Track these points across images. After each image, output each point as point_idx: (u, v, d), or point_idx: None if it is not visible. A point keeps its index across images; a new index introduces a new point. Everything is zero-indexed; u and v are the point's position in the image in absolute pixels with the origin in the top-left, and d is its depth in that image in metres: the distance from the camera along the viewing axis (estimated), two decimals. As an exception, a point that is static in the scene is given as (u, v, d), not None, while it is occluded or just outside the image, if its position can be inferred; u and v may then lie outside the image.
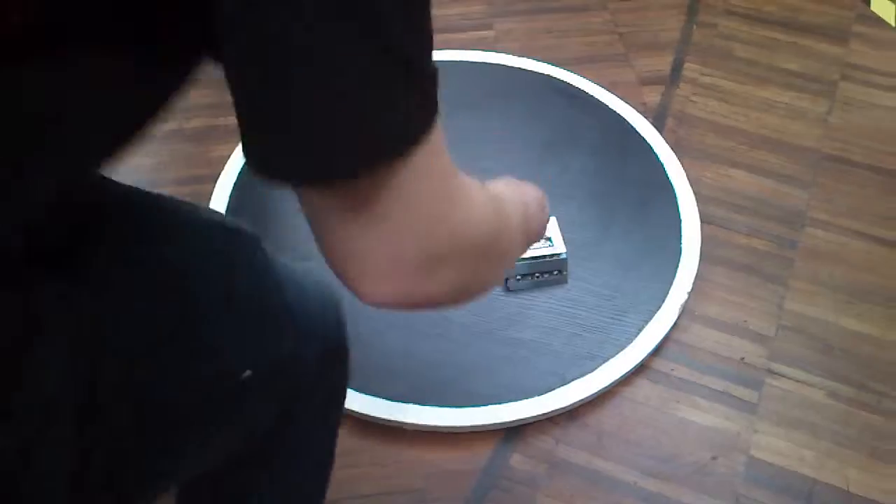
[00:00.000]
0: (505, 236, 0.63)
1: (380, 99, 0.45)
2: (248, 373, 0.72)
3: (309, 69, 0.43)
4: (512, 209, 0.68)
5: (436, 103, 0.49)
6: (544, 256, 1.41)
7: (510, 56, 1.87)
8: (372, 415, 1.27)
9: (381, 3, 0.43)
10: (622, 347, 1.36)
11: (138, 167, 1.59)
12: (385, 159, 0.47)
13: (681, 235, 1.52)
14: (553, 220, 1.45)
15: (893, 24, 1.98)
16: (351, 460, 1.24)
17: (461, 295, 0.58)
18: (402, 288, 0.52)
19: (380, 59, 0.45)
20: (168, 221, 0.74)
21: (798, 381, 1.36)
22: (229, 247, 0.76)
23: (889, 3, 2.00)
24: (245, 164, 0.48)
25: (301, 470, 0.92)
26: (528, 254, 1.40)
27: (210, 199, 1.56)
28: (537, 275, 1.42)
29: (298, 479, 0.92)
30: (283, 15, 0.41)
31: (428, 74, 0.48)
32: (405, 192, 0.49)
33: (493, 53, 1.87)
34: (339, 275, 0.52)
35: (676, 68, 1.89)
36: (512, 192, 0.71)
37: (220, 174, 1.61)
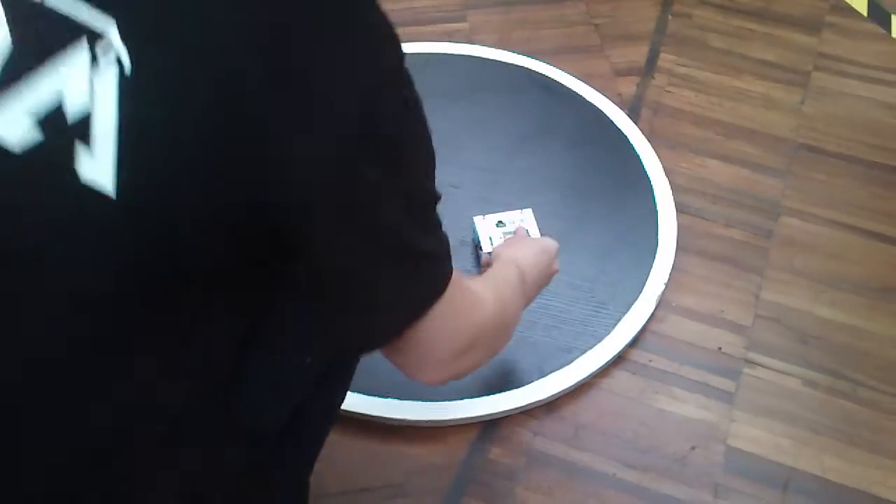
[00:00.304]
0: (508, 310, 0.86)
1: (417, 287, 0.68)
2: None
3: (371, 295, 0.66)
4: (507, 282, 0.91)
5: (450, 260, 0.70)
6: (521, 249, 1.41)
7: (485, 48, 1.86)
8: (351, 410, 1.26)
9: (410, 238, 0.65)
10: (599, 339, 1.36)
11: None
12: (422, 313, 0.69)
13: (657, 226, 1.52)
14: (529, 212, 1.44)
15: (866, 14, 1.99)
16: (329, 455, 1.23)
17: (485, 361, 0.83)
18: (443, 376, 0.77)
19: (412, 270, 0.67)
20: None
21: (775, 370, 1.37)
22: None
23: (862, -8, 2.01)
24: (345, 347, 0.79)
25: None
26: (505, 246, 1.39)
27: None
28: (514, 267, 1.42)
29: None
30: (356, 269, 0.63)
31: (443, 251, 0.70)
32: (437, 322, 0.69)
33: (468, 45, 1.86)
34: (400, 370, 0.76)
35: (652, 59, 1.89)
36: (503, 265, 0.95)
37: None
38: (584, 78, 1.80)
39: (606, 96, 1.76)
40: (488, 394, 1.29)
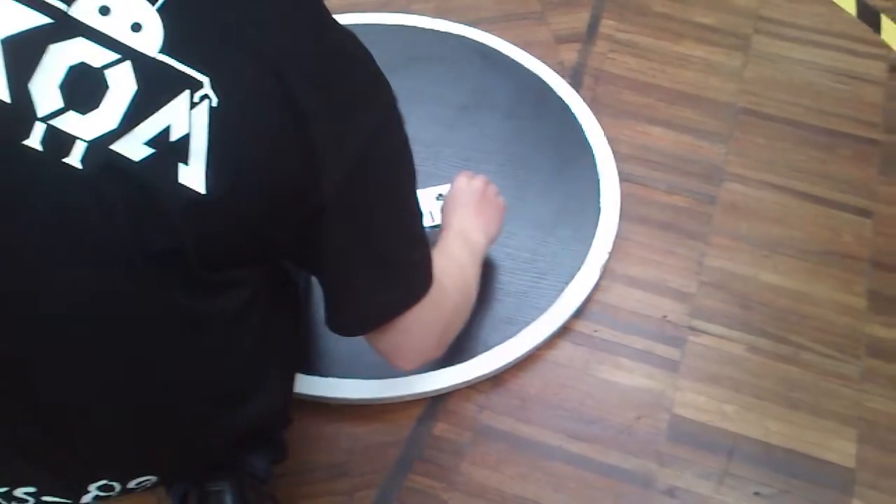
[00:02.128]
0: (469, 288, 1.04)
1: (397, 290, 0.86)
2: None
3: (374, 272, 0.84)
4: (462, 258, 1.05)
5: (431, 268, 0.88)
6: (463, 221, 1.39)
7: (424, 17, 1.82)
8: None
9: (398, 245, 0.86)
10: (543, 310, 1.35)
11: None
12: (399, 312, 0.87)
13: (600, 195, 1.51)
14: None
15: (805, -24, 1.99)
16: (270, 439, 1.21)
17: (454, 337, 1.01)
18: (421, 362, 0.94)
19: (395, 274, 0.86)
20: None
21: (719, 336, 1.37)
22: None
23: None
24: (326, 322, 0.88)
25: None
26: (446, 219, 1.37)
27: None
28: (456, 240, 1.40)
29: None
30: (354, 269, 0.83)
31: (426, 261, 0.88)
32: (413, 319, 0.87)
33: (406, 15, 1.83)
34: (384, 357, 0.92)
35: (593, 25, 1.87)
36: (453, 240, 1.07)
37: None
38: (524, 46, 1.77)
39: (547, 64, 1.74)
40: (432, 369, 1.28)
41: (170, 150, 0.68)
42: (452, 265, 0.92)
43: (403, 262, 0.86)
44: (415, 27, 1.80)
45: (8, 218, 0.68)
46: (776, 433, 1.26)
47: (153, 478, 0.87)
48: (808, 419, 1.27)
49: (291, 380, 0.98)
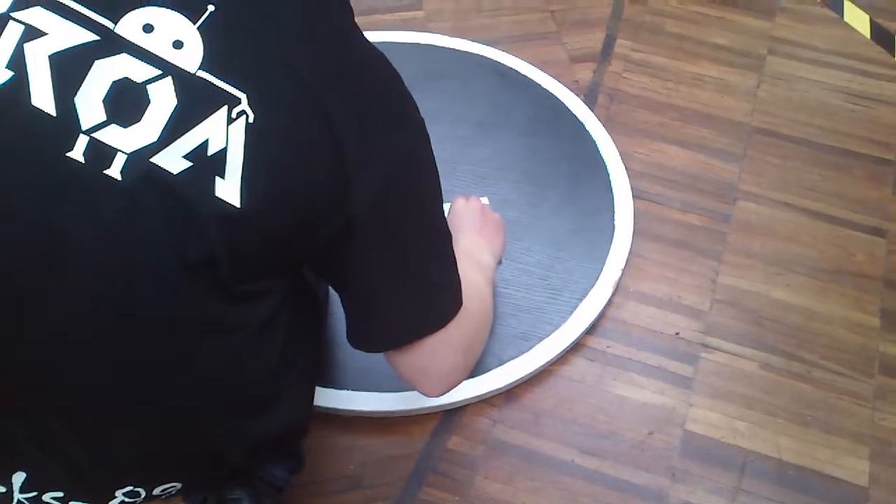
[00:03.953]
0: (486, 309, 1.02)
1: (426, 312, 0.87)
2: None
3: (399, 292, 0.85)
4: (475, 280, 1.00)
5: (461, 293, 0.89)
6: (478, 237, 1.40)
7: (441, 36, 1.85)
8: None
9: (429, 267, 0.87)
10: (557, 326, 1.36)
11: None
12: (425, 335, 0.87)
13: (614, 212, 1.52)
14: (485, 201, 1.44)
15: (819, -2, 2.00)
16: (285, 450, 1.22)
17: (476, 359, 0.98)
18: (449, 383, 0.93)
19: (426, 296, 0.86)
20: None
21: (732, 353, 1.37)
22: None
23: (815, -24, 2.02)
24: (348, 337, 0.89)
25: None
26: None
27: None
28: (471, 256, 1.41)
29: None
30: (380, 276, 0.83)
31: (456, 285, 0.88)
32: (439, 343, 0.87)
33: (424, 34, 1.85)
34: (409, 382, 0.91)
35: (608, 45, 1.89)
36: (462, 263, 0.98)
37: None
38: (540, 65, 1.79)
39: (563, 83, 1.75)
40: (446, 383, 1.29)
41: (207, 164, 0.71)
42: (469, 288, 0.92)
43: (433, 282, 0.87)
44: (433, 46, 1.82)
45: (49, 227, 0.71)
46: (788, 450, 1.26)
47: (178, 485, 0.89)
48: (820, 437, 1.28)
49: (312, 389, 0.99)
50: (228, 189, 0.71)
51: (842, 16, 1.96)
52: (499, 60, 1.79)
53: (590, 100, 1.75)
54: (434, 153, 0.86)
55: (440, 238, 0.89)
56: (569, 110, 1.70)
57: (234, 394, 0.83)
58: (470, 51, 1.82)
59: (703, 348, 1.38)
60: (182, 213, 0.71)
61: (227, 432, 0.85)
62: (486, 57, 1.80)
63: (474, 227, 1.21)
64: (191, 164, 0.70)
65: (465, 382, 1.28)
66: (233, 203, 0.71)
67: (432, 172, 0.86)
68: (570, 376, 1.34)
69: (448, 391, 0.94)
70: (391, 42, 1.81)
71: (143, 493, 0.86)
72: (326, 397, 1.27)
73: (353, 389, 1.27)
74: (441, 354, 0.89)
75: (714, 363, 1.36)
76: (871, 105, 1.76)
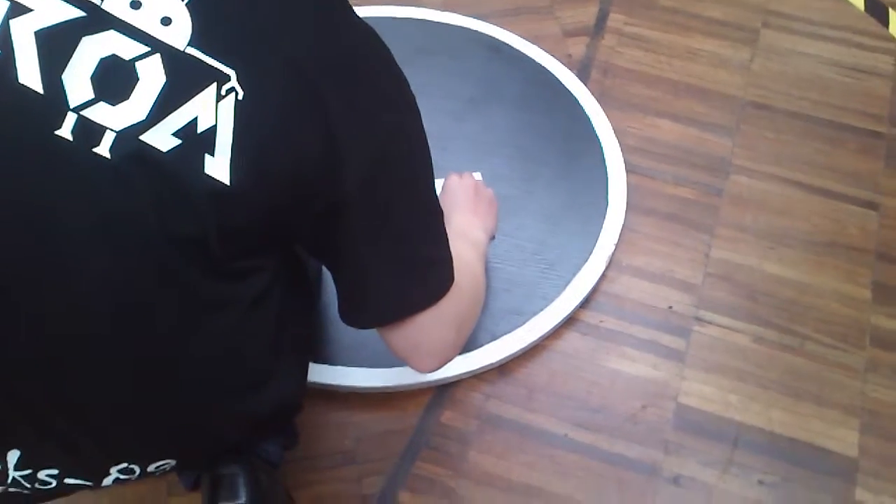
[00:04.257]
0: (479, 286, 1.03)
1: (418, 287, 0.87)
2: None
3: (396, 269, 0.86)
4: (468, 257, 1.01)
5: (452, 269, 0.90)
6: (470, 213, 1.40)
7: (432, 10, 1.83)
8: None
9: (418, 247, 0.87)
10: (550, 301, 1.36)
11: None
12: (417, 311, 0.88)
13: (607, 187, 1.52)
14: (478, 176, 1.44)
15: (813, -30, 1.99)
16: (280, 426, 1.23)
17: (468, 335, 1.00)
18: (442, 359, 0.94)
19: (418, 272, 0.87)
20: None
21: (724, 327, 1.38)
22: None
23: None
24: (340, 314, 0.90)
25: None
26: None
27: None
28: (464, 231, 1.41)
29: None
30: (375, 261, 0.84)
31: (447, 254, 0.90)
32: (431, 320, 0.88)
33: (415, 8, 1.84)
34: (402, 358, 0.93)
35: (601, 19, 1.88)
36: (457, 236, 0.98)
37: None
38: (533, 39, 1.78)
39: (556, 57, 1.75)
40: (440, 359, 1.29)
41: (197, 142, 0.70)
42: (462, 264, 0.93)
43: (425, 259, 0.88)
44: (424, 20, 1.81)
45: (39, 205, 0.70)
46: (780, 422, 1.27)
47: (172, 461, 0.89)
48: (812, 409, 1.28)
49: (306, 365, 1.00)
50: (218, 166, 0.71)
51: (836, -12, 1.95)
52: (491, 35, 1.78)
53: (583, 74, 1.74)
54: (425, 130, 0.85)
55: (432, 215, 0.89)
56: (562, 85, 1.69)
57: (229, 370, 0.83)
58: (462, 25, 1.80)
59: (696, 322, 1.38)
60: (172, 191, 0.71)
61: (222, 409, 0.86)
62: (478, 31, 1.79)
63: (467, 204, 1.22)
64: (180, 141, 0.70)
65: (458, 358, 1.28)
66: (222, 180, 0.71)
67: (424, 149, 0.86)
68: (563, 351, 1.34)
69: (440, 367, 0.95)
70: (382, 17, 1.80)
71: (138, 470, 0.87)
72: (320, 373, 1.27)
73: (346, 365, 1.28)
74: (433, 331, 0.90)
75: (707, 337, 1.37)
76: (864, 78, 1.76)
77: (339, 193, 0.77)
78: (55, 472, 0.83)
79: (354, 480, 1.20)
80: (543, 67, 1.72)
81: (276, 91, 0.73)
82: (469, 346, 1.31)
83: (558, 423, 1.27)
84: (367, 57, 0.80)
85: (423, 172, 0.87)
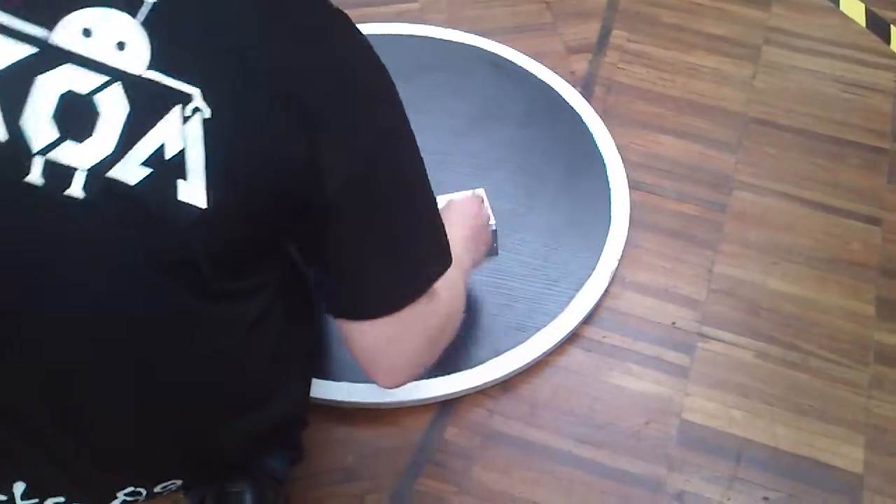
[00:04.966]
0: (455, 307, 0.94)
1: (400, 282, 0.82)
2: None
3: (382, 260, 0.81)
4: (451, 273, 0.92)
5: (440, 267, 0.85)
6: (474, 229, 1.40)
7: (436, 28, 1.85)
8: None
9: (409, 246, 0.83)
10: (554, 316, 1.36)
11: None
12: (398, 307, 0.81)
13: (610, 203, 1.53)
14: (481, 192, 1.44)
15: (815, -13, 2.00)
16: (283, 442, 1.22)
17: (437, 356, 0.92)
18: (411, 373, 0.88)
19: (409, 267, 0.83)
20: None
21: (728, 343, 1.38)
22: None
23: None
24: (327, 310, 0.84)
25: None
26: (458, 227, 1.39)
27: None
28: (467, 247, 1.41)
29: None
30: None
31: (440, 246, 0.86)
32: (412, 316, 0.82)
33: (419, 25, 1.85)
34: (370, 366, 0.87)
35: (604, 36, 1.89)
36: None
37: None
38: (536, 56, 1.79)
39: (559, 74, 1.76)
40: (443, 374, 1.29)
41: (167, 169, 0.68)
42: (445, 279, 0.89)
43: (417, 255, 0.84)
44: (428, 37, 1.82)
45: (19, 256, 0.70)
46: (784, 438, 1.27)
47: (178, 482, 0.89)
48: (816, 425, 1.28)
49: (309, 380, 0.99)
50: (192, 190, 0.69)
51: (837, 5, 1.96)
52: (494, 52, 1.80)
53: (586, 91, 1.75)
54: (420, 143, 0.82)
55: (427, 212, 0.85)
56: (565, 101, 1.70)
57: (232, 390, 0.83)
58: (465, 42, 1.82)
59: (700, 338, 1.38)
60: (149, 223, 0.69)
61: (225, 428, 0.85)
62: (481, 48, 1.80)
63: (468, 229, 1.19)
64: (151, 170, 0.68)
65: (461, 373, 1.29)
66: (198, 205, 0.69)
67: (412, 147, 0.82)
68: (566, 367, 1.34)
69: (405, 381, 0.89)
70: (386, 34, 1.81)
71: (144, 493, 0.87)
72: (324, 389, 1.27)
73: (350, 381, 1.28)
74: (407, 335, 0.85)
75: (710, 352, 1.36)
76: (866, 94, 1.76)
77: (322, 200, 0.74)
78: (62, 499, 0.83)
79: (357, 497, 1.20)
80: (546, 84, 1.73)
81: (246, 104, 0.69)
82: (472, 361, 1.31)
83: (562, 439, 1.26)
84: (349, 60, 0.77)
85: (413, 172, 0.83)
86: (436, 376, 1.29)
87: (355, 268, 0.80)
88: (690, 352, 1.36)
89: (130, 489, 0.85)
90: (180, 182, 0.68)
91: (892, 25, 1.91)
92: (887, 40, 1.87)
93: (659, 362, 1.35)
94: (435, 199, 0.85)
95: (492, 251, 1.42)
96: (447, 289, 0.88)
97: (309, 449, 1.20)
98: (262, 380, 0.86)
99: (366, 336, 0.84)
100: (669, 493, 1.21)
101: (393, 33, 1.82)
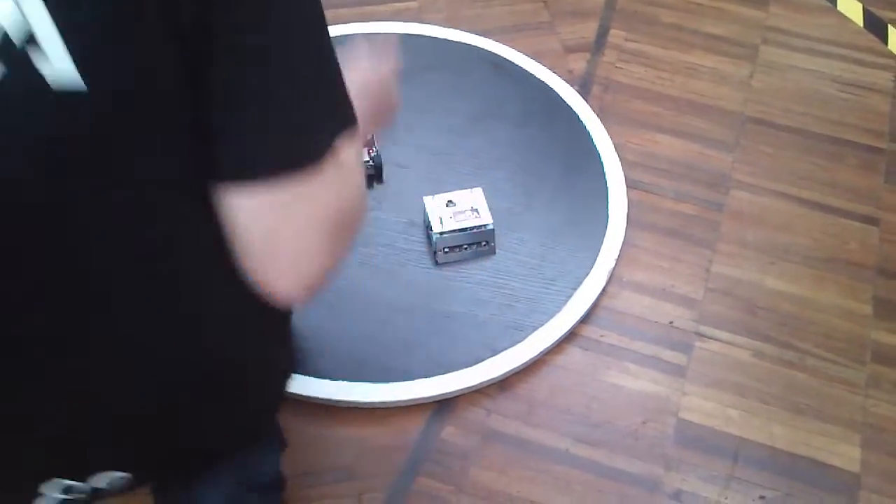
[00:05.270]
0: (363, 186, 0.76)
1: (301, 141, 0.67)
2: None
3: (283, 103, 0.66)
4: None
5: (342, 130, 0.69)
6: (472, 228, 1.40)
7: (435, 27, 1.84)
8: (301, 393, 1.26)
9: (298, 99, 0.66)
10: (551, 316, 1.36)
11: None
12: (305, 164, 0.66)
13: (608, 202, 1.53)
14: (479, 191, 1.44)
15: (813, -13, 2.00)
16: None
17: (343, 256, 0.74)
18: (309, 273, 0.71)
19: (300, 123, 0.67)
20: None
21: (725, 342, 1.38)
22: None
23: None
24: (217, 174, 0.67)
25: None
26: (455, 225, 1.39)
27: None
28: (465, 246, 1.42)
29: None
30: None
31: (337, 112, 0.70)
32: (307, 192, 0.67)
33: (418, 24, 1.85)
34: (260, 279, 0.70)
35: (601, 35, 1.89)
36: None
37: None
38: (534, 55, 1.79)
39: (556, 73, 1.76)
40: (441, 374, 1.29)
41: (19, 54, 0.59)
42: (346, 153, 0.75)
43: (312, 107, 0.69)
44: (426, 37, 1.82)
45: None
46: (781, 438, 1.27)
47: (122, 474, 0.77)
48: (813, 424, 1.28)
49: (284, 347, 0.89)
50: (59, 72, 0.60)
51: (835, 5, 1.96)
52: (492, 51, 1.79)
53: (584, 90, 1.75)
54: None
55: (328, 57, 0.70)
56: (563, 100, 1.70)
57: (184, 330, 0.73)
58: (464, 41, 1.81)
59: (697, 337, 1.38)
60: (24, 119, 0.61)
61: (193, 393, 0.74)
62: (479, 48, 1.80)
63: (364, 90, 0.90)
64: (4, 67, 0.59)
65: (459, 373, 1.29)
66: (71, 87, 0.60)
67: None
68: (564, 366, 1.35)
69: (302, 287, 0.72)
70: (385, 34, 1.81)
71: (81, 486, 0.76)
72: (321, 388, 1.27)
73: (347, 380, 1.28)
74: (301, 212, 0.69)
75: (708, 352, 1.37)
76: (863, 94, 1.76)
77: (206, 46, 0.63)
78: None
79: (354, 496, 1.20)
80: (544, 83, 1.73)
81: None
82: (470, 360, 1.31)
83: (559, 438, 1.27)
84: None
85: (313, 11, 0.69)
86: (433, 375, 1.29)
87: (240, 113, 0.67)
88: (688, 351, 1.37)
89: (56, 481, 0.74)
90: (42, 61, 0.59)
91: (889, 25, 1.91)
92: (885, 40, 1.88)
93: (656, 361, 1.35)
94: (336, 54, 0.71)
95: (488, 249, 1.43)
96: (348, 168, 0.72)
97: (305, 448, 1.20)
98: (219, 317, 0.75)
99: (254, 213, 0.68)
100: (666, 492, 1.21)
101: (392, 32, 1.82)
